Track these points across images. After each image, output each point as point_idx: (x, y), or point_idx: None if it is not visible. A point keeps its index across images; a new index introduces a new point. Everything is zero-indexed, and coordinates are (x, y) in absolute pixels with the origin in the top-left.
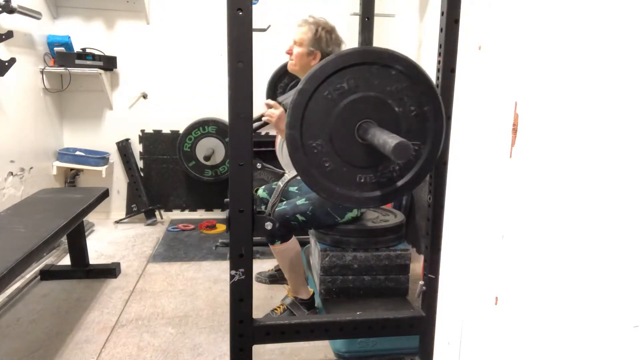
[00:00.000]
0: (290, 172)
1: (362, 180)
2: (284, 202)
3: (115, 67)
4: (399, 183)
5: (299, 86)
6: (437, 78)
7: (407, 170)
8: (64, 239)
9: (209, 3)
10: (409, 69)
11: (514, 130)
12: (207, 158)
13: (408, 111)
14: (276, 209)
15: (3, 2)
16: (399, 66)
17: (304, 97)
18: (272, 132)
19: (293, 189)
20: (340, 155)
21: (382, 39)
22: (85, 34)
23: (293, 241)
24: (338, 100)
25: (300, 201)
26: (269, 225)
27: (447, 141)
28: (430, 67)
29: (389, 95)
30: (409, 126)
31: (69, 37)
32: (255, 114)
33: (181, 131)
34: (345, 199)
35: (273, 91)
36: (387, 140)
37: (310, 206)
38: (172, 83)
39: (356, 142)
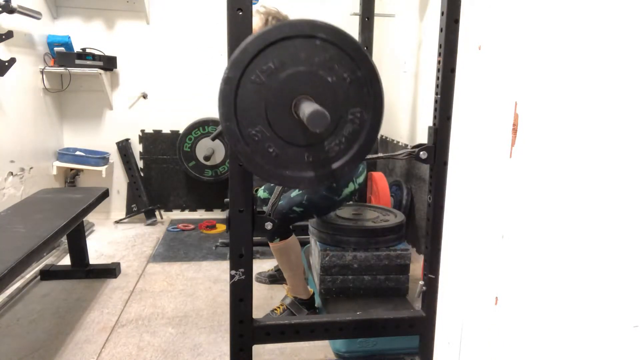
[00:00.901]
0: None
1: (311, 159)
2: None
3: (115, 67)
4: (350, 154)
5: (224, 75)
6: (437, 78)
7: (354, 140)
8: (64, 239)
9: (209, 3)
10: (333, 36)
11: (514, 130)
12: (207, 158)
13: (342, 79)
14: (274, 208)
15: (3, 2)
16: (322, 34)
17: (231, 85)
18: None
19: None
20: (283, 138)
21: (382, 39)
22: (85, 34)
23: (293, 239)
24: (268, 82)
25: (294, 193)
26: (268, 225)
27: (447, 141)
28: (430, 67)
29: (319, 67)
30: (346, 94)
31: (69, 37)
32: None
33: (181, 131)
34: (297, 182)
35: None
36: (305, 111)
37: (304, 195)
38: (172, 83)
39: (295, 121)
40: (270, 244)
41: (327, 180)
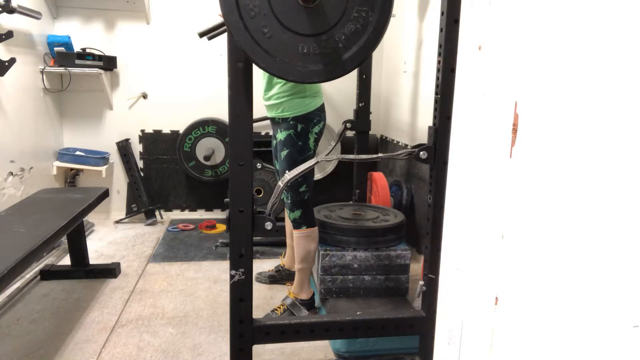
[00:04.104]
0: (289, 172)
1: (305, 51)
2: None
3: (115, 67)
4: (346, 55)
5: None
6: (437, 78)
7: (354, 41)
8: (64, 239)
9: (209, 3)
10: None
11: (514, 130)
12: (207, 158)
13: None
14: (289, 204)
15: (3, 2)
16: None
17: None
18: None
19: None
20: (281, 20)
21: (382, 39)
22: (85, 34)
23: (316, 231)
24: None
25: (292, 181)
26: (269, 225)
27: (447, 141)
28: (430, 67)
29: None
30: None
31: (69, 37)
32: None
33: (181, 131)
34: (285, 71)
35: None
36: None
37: (288, 168)
38: (172, 83)
39: (298, 5)
40: (296, 232)
41: (315, 80)
